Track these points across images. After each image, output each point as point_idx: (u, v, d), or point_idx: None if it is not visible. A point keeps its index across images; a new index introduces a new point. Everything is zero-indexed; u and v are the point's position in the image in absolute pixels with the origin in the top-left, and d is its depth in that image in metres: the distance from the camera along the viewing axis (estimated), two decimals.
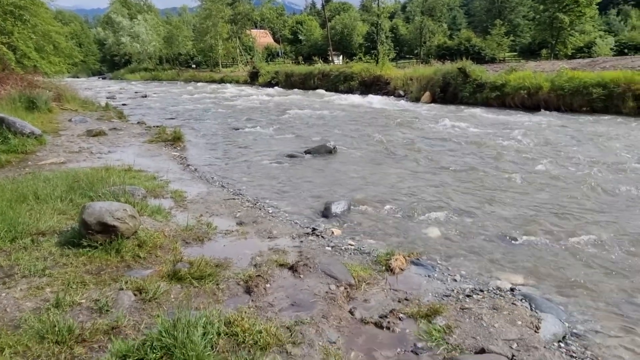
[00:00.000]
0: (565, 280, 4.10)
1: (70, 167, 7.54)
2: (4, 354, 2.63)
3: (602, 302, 3.74)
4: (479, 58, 38.49)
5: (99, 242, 4.07)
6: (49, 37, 20.15)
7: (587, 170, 7.86)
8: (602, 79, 15.28)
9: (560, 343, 3.10)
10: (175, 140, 10.61)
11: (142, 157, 8.87)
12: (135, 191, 5.77)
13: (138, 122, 14.47)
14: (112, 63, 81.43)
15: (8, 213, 4.67)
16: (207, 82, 45.77)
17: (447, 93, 20.26)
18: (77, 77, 63.32)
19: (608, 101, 14.99)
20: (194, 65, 67.26)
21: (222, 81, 44.40)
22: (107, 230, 4.09)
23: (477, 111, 16.38)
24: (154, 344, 2.69)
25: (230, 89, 32.89)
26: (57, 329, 2.84)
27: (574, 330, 3.30)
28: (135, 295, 3.42)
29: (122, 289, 3.46)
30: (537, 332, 3.13)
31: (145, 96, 27.44)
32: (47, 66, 19.59)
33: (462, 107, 18.11)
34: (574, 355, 2.95)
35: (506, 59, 45.93)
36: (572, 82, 15.92)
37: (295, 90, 31.24)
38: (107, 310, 3.18)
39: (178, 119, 15.95)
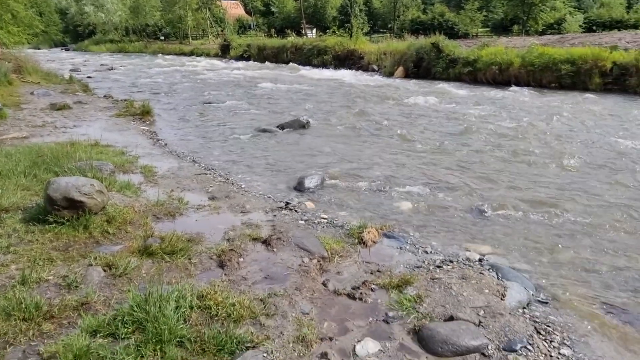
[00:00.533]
0: (530, 251, 4.24)
1: (34, 141, 7.27)
2: None
3: (564, 270, 3.89)
4: (452, 33, 38.56)
5: (66, 218, 3.97)
6: (7, 5, 19.03)
7: (554, 145, 8.07)
8: (571, 56, 15.58)
9: (525, 309, 3.22)
10: (144, 114, 10.32)
11: (110, 131, 8.61)
12: (103, 166, 5.62)
13: (104, 96, 13.99)
14: (76, 34, 77.78)
15: None
16: (176, 54, 44.39)
17: (420, 68, 20.29)
18: (39, 49, 60.34)
19: (576, 77, 15.33)
20: (162, 37, 64.94)
21: (192, 54, 43.13)
22: (74, 206, 3.98)
23: (450, 86, 16.50)
24: (125, 319, 2.67)
25: (201, 62, 32.06)
26: (23, 305, 2.78)
27: (538, 298, 3.43)
28: (105, 271, 3.36)
29: (91, 265, 3.40)
30: (503, 300, 3.24)
31: (112, 69, 26.45)
32: (6, 36, 18.59)
33: (435, 82, 18.20)
34: (537, 320, 3.08)
35: (479, 34, 46.20)
36: (542, 58, 16.18)
37: (268, 64, 30.70)
38: (76, 287, 3.12)
39: (147, 93, 15.48)
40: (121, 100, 12.99)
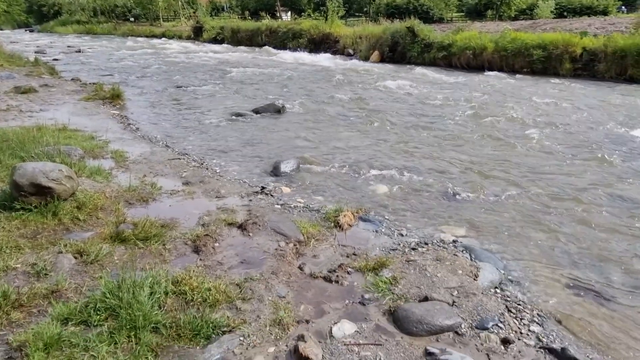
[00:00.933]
0: (502, 232, 4.34)
1: None
2: None
3: (534, 250, 4.00)
4: (427, 18, 38.57)
5: (34, 205, 3.84)
6: None
7: (525, 129, 8.23)
8: (542, 41, 15.83)
9: (496, 289, 3.31)
10: (114, 98, 10.01)
11: (78, 115, 8.34)
12: (72, 151, 5.45)
13: (72, 79, 13.50)
14: (40, 14, 74.50)
15: None
16: (147, 37, 43.09)
17: (395, 52, 20.30)
18: (1, 30, 57.70)
19: (547, 62, 15.61)
20: (132, 19, 62.82)
21: (163, 36, 41.91)
22: (42, 192, 3.86)
23: (425, 71, 16.58)
24: (97, 306, 2.62)
25: (173, 45, 31.25)
26: None
27: (509, 277, 3.53)
28: (75, 258, 3.28)
29: (61, 252, 3.31)
30: (476, 280, 3.32)
31: (80, 51, 25.49)
32: None
33: (411, 66, 18.26)
34: (508, 299, 3.16)
35: (453, 19, 46.41)
36: (514, 43, 16.39)
37: (242, 47, 30.17)
38: (45, 274, 3.04)
39: (117, 76, 15.02)
40: (90, 83, 12.58)
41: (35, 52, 22.26)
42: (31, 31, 65.30)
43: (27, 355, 2.28)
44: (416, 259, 3.58)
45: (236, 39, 32.87)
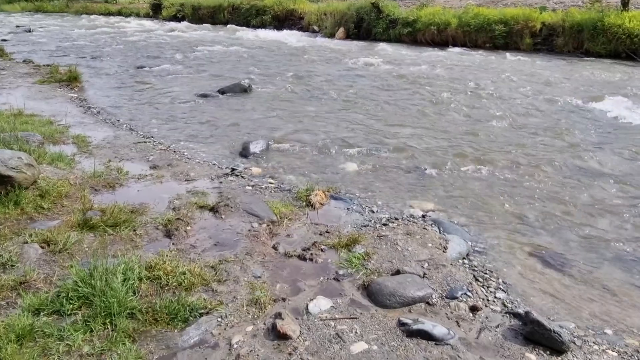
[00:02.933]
0: (469, 205, 4.49)
1: None
2: None
3: (499, 221, 4.17)
4: None
5: None
6: None
7: (487, 103, 8.43)
8: (504, 16, 16.08)
9: (464, 260, 3.45)
10: (72, 80, 9.58)
11: (34, 99, 7.97)
12: (30, 137, 5.23)
13: (24, 61, 12.82)
14: None
15: None
16: (102, 14, 41.09)
17: (361, 29, 20.19)
18: None
19: (508, 38, 15.89)
20: None
21: (120, 14, 40.09)
22: (1, 181, 3.71)
23: (390, 47, 16.61)
24: (69, 295, 2.58)
25: (131, 23, 29.99)
26: None
27: (476, 248, 3.67)
28: (42, 247, 3.20)
29: (26, 242, 3.22)
30: (445, 252, 3.44)
31: (30, 31, 24.11)
32: None
33: (376, 43, 18.23)
34: (475, 269, 3.30)
35: None
36: (477, 18, 16.57)
37: (205, 25, 29.26)
38: (11, 266, 2.96)
39: (73, 57, 14.34)
40: (44, 65, 11.96)
41: None
42: None
43: None
44: (387, 234, 3.67)
45: (197, 16, 31.83)
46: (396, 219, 4.04)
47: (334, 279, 3.06)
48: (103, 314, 2.46)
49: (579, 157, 5.74)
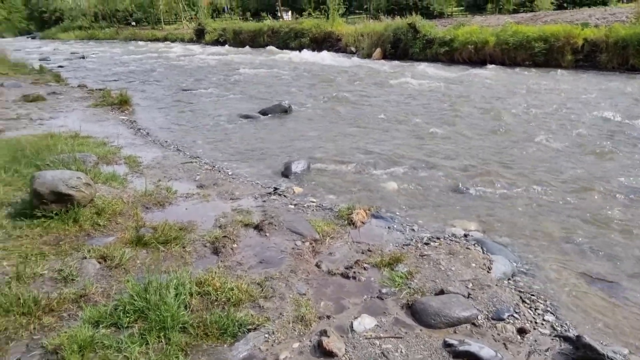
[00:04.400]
0: (512, 225, 4.41)
1: (10, 135, 7.10)
2: None
3: (545, 242, 4.07)
4: (427, 13, 38.45)
5: (54, 212, 3.94)
6: None
7: (532, 122, 8.28)
8: (544, 33, 15.82)
9: (510, 280, 3.39)
10: (122, 103, 10.12)
11: (89, 122, 8.46)
12: (86, 158, 5.56)
13: (79, 85, 13.63)
14: (42, 21, 74.52)
15: None
16: (149, 40, 43.23)
17: (397, 49, 20.35)
18: (3, 37, 58.00)
19: (549, 55, 15.60)
20: (133, 23, 62.90)
21: (165, 39, 42.06)
22: (62, 199, 3.96)
23: (427, 67, 16.61)
24: (126, 308, 2.71)
25: (176, 48, 31.36)
26: (21, 301, 2.79)
27: (521, 269, 3.60)
28: (99, 263, 3.38)
29: (85, 258, 3.41)
30: (489, 272, 3.40)
31: (84, 57, 25.66)
32: None
33: (413, 63, 18.30)
34: (521, 290, 3.24)
35: (453, 13, 46.26)
36: (516, 36, 16.38)
37: (245, 48, 30.26)
38: (72, 280, 3.14)
39: (122, 81, 15.15)
40: (97, 89, 12.68)
41: (40, 60, 22.43)
42: (33, 38, 65.47)
43: (63, 358, 2.38)
44: (429, 253, 3.67)
45: (238, 40, 32.96)
46: (438, 238, 4.03)
47: (377, 297, 3.08)
48: (157, 327, 2.57)
49: (629, 177, 5.54)
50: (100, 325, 2.63)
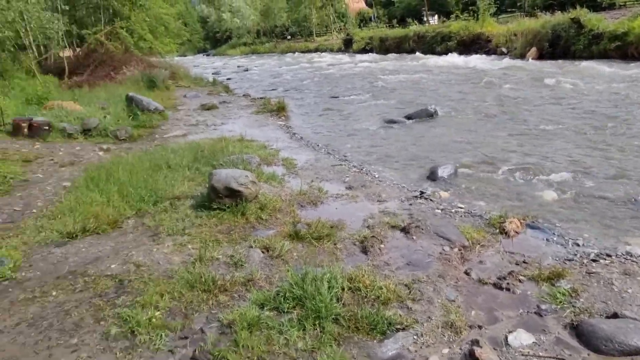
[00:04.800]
0: None
1: (191, 139, 8.29)
2: (164, 298, 3.10)
3: None
4: (594, 5, 33.89)
5: (227, 205, 4.51)
6: (160, 19, 21.80)
7: None
8: None
9: None
10: (280, 110, 11.07)
11: (251, 127, 9.43)
12: (251, 159, 6.21)
13: (244, 95, 15.28)
14: (215, 40, 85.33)
15: (149, 180, 5.35)
16: (302, 52, 46.36)
17: (556, 47, 18.46)
18: (185, 56, 67.50)
19: None
20: (289, 37, 68.17)
21: (316, 50, 44.67)
22: (233, 194, 4.51)
23: (594, 65, 14.72)
24: (286, 295, 2.98)
25: (326, 58, 33.06)
26: (203, 279, 3.26)
27: None
28: (263, 252, 3.77)
29: (251, 247, 3.84)
30: None
31: (247, 70, 28.67)
32: (161, 47, 21.29)
33: (575, 61, 16.40)
34: None
35: (627, 4, 40.16)
36: None
37: (391, 55, 30.49)
38: (241, 265, 3.56)
39: (279, 90, 16.54)
40: (258, 98, 14.07)
41: (213, 74, 25.68)
42: (207, 55, 75.18)
43: (235, 332, 2.73)
44: (599, 271, 3.29)
45: (384, 47, 33.37)
46: (608, 255, 3.58)
47: (535, 313, 2.87)
48: (313, 316, 2.78)
49: None
50: (265, 308, 2.94)
